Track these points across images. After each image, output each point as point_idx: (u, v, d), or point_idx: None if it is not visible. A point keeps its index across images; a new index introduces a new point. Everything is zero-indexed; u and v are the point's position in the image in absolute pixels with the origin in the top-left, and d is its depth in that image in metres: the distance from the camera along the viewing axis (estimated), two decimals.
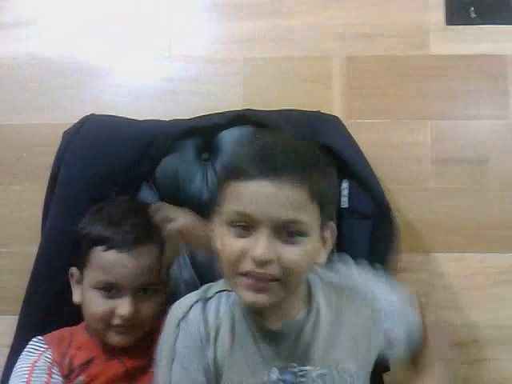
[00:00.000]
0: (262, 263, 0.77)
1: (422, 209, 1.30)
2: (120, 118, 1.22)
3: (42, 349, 0.99)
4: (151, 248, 1.00)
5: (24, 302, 1.10)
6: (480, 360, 1.29)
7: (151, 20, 1.38)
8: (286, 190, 0.77)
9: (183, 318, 0.86)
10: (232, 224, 0.80)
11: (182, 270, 1.13)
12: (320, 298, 0.89)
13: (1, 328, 1.23)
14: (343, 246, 1.04)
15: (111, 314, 0.97)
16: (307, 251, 0.79)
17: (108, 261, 0.97)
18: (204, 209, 1.14)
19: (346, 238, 1.07)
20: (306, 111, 1.24)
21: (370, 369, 0.91)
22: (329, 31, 1.35)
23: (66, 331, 1.03)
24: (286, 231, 0.78)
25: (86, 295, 0.99)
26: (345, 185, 1.11)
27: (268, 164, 0.78)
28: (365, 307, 0.90)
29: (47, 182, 1.14)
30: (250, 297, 0.79)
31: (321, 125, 1.19)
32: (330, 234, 0.85)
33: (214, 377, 0.84)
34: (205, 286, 0.92)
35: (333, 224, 0.86)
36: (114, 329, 0.98)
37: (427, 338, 0.93)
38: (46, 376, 0.96)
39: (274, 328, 0.85)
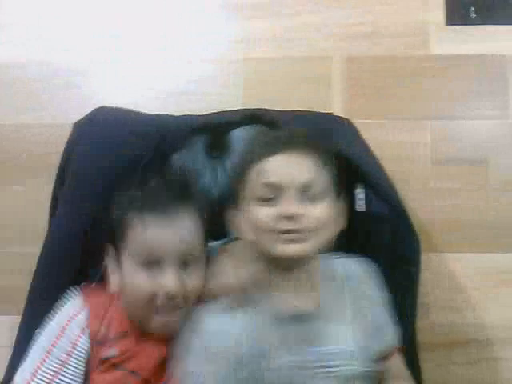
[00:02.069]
0: (294, 218, 0.89)
1: (422, 209, 1.30)
2: (131, 111, 1.20)
3: (78, 308, 0.95)
4: (189, 214, 0.95)
5: (28, 299, 1.10)
6: (480, 360, 1.29)
7: (151, 20, 1.38)
8: (300, 158, 0.92)
9: (201, 319, 0.92)
10: (259, 198, 0.92)
11: None
12: (326, 286, 0.96)
13: (1, 328, 1.23)
14: (365, 250, 1.05)
15: (154, 293, 0.91)
16: (328, 208, 0.93)
17: (142, 233, 0.91)
18: (212, 206, 1.14)
19: (367, 242, 1.07)
20: (319, 113, 1.22)
21: (370, 353, 0.95)
22: (329, 31, 1.35)
23: (102, 294, 0.97)
24: (308, 193, 0.91)
25: (124, 273, 0.93)
26: (360, 189, 1.11)
27: (282, 143, 0.94)
28: (362, 295, 0.98)
29: (47, 181, 1.13)
30: (289, 248, 0.90)
31: (333, 127, 1.18)
32: (342, 209, 0.97)
33: (243, 361, 0.89)
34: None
35: (342, 203, 0.97)
36: (158, 308, 0.91)
37: (398, 349, 0.99)
38: (74, 340, 0.92)
39: (289, 313, 0.92)
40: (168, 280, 0.91)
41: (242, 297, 0.93)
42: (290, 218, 0.89)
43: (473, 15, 1.34)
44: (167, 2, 1.38)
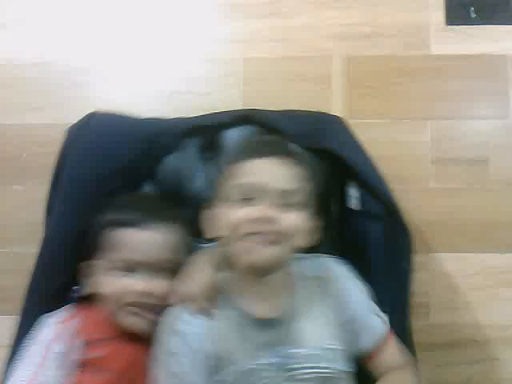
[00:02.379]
0: (270, 221, 0.88)
1: (422, 209, 1.30)
2: (123, 115, 1.22)
3: (71, 315, 0.99)
4: (169, 227, 1.00)
5: (25, 299, 1.10)
6: (480, 360, 1.29)
7: (151, 20, 1.38)
8: (284, 167, 0.91)
9: (178, 320, 0.92)
10: (234, 198, 0.91)
11: None
12: (300, 287, 0.96)
13: (1, 328, 1.23)
14: (358, 249, 1.05)
15: (125, 291, 0.97)
16: (304, 218, 0.91)
17: (125, 238, 0.97)
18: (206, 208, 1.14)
19: (360, 240, 1.08)
20: (311, 111, 1.23)
21: (350, 351, 0.95)
22: (329, 31, 1.35)
23: (91, 303, 1.02)
24: (285, 201, 0.90)
25: (103, 279, 0.99)
26: (352, 187, 1.11)
27: (268, 147, 0.94)
28: (338, 292, 0.97)
29: (47, 181, 1.14)
30: (262, 252, 0.88)
31: (325, 126, 1.18)
32: (317, 227, 0.95)
33: (218, 364, 0.89)
34: None
35: (319, 221, 0.95)
36: (127, 308, 0.97)
37: (391, 338, 0.98)
38: (67, 343, 0.95)
39: (261, 314, 0.92)
40: (138, 283, 0.96)
41: (208, 302, 0.92)
42: (266, 220, 0.88)
43: (473, 15, 1.34)
44: (167, 2, 1.38)
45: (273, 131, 1.15)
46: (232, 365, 0.89)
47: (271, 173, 0.91)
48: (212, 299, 0.92)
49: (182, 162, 1.16)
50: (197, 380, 0.88)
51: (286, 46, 1.35)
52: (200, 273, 0.95)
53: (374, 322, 0.98)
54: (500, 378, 1.29)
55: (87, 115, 1.17)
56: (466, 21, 1.34)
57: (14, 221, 1.32)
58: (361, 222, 1.09)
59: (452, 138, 1.33)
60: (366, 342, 0.96)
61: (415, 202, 1.30)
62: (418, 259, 1.28)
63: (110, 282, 0.98)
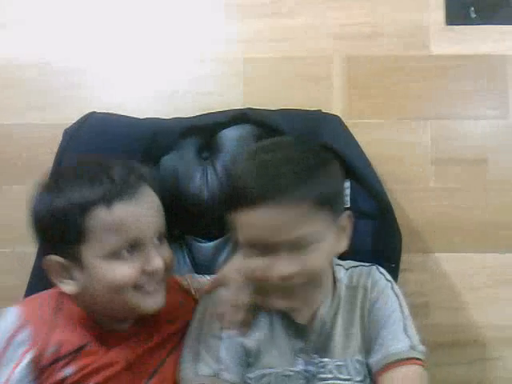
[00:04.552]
0: (286, 279, 0.83)
1: (422, 209, 1.30)
2: (121, 115, 1.22)
3: (18, 325, 0.84)
4: (149, 190, 0.89)
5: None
6: (480, 360, 1.29)
7: (151, 20, 1.38)
8: (291, 210, 0.80)
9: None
10: (250, 247, 0.85)
11: (180, 268, 1.13)
12: (343, 289, 0.95)
13: None
14: (348, 246, 1.04)
15: (140, 274, 0.85)
16: (325, 253, 0.86)
17: (116, 217, 0.83)
18: (203, 207, 1.15)
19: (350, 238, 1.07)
20: (307, 110, 1.24)
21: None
22: (329, 31, 1.35)
23: (46, 305, 0.88)
24: (300, 244, 0.83)
25: (97, 270, 0.84)
26: (346, 184, 1.11)
27: (270, 188, 0.80)
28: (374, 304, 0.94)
29: None
30: (283, 304, 0.88)
31: (321, 124, 1.19)
32: (347, 220, 0.91)
33: (252, 358, 0.90)
34: None
35: (348, 212, 0.91)
36: (146, 289, 0.86)
37: (410, 365, 0.89)
38: (16, 362, 0.81)
39: (302, 322, 0.92)
40: (155, 260, 0.86)
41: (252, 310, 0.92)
42: (282, 279, 0.83)
43: (473, 15, 1.34)
44: (167, 2, 1.38)
45: (270, 130, 1.16)
46: (267, 368, 0.90)
47: (279, 225, 0.81)
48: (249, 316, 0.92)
49: (180, 161, 1.17)
50: (237, 371, 0.89)
51: (286, 46, 1.35)
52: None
53: (394, 340, 0.91)
54: (500, 378, 1.29)
55: (85, 115, 1.18)
56: (466, 21, 1.34)
57: (14, 221, 1.32)
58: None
59: (452, 138, 1.33)
60: (377, 358, 0.91)
61: (415, 202, 1.30)
62: (417, 259, 1.30)
63: (110, 272, 0.84)
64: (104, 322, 0.90)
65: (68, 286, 0.87)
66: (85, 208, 0.82)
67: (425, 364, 0.89)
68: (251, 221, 0.82)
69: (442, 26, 1.34)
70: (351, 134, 1.19)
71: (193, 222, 1.17)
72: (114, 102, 1.33)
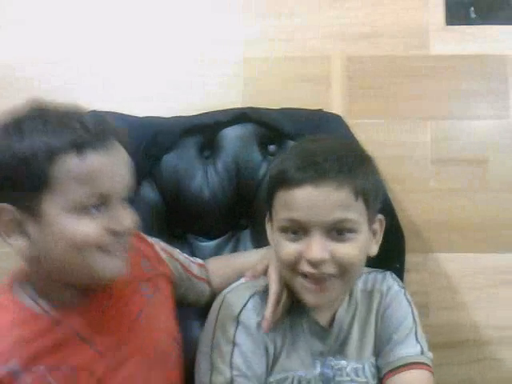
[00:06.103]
0: (316, 263, 0.84)
1: (422, 209, 1.30)
2: (122, 114, 1.22)
3: None
4: (120, 146, 0.80)
5: None
6: (480, 360, 1.29)
7: (150, 20, 1.38)
8: (330, 193, 0.83)
9: (242, 310, 0.90)
10: (284, 230, 0.86)
11: None
12: (358, 293, 0.96)
13: None
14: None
15: (106, 233, 0.77)
16: (359, 246, 0.86)
17: (88, 166, 0.74)
18: (204, 206, 1.15)
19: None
20: (308, 110, 1.24)
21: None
22: (329, 31, 1.35)
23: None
24: (336, 230, 0.84)
25: (57, 225, 0.74)
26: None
27: (312, 171, 0.84)
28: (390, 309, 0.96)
29: None
30: (312, 299, 0.87)
31: (322, 123, 1.19)
32: (379, 225, 0.92)
33: (271, 362, 0.90)
34: (248, 282, 0.96)
35: (381, 216, 0.92)
36: (110, 251, 0.78)
37: (415, 366, 0.93)
38: None
39: (323, 323, 0.93)
40: (126, 220, 0.78)
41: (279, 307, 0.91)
42: (316, 263, 0.84)
43: (473, 15, 1.34)
44: (167, 2, 1.38)
45: (271, 129, 1.16)
46: (289, 371, 0.90)
47: (320, 206, 0.83)
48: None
49: (181, 161, 1.17)
50: (252, 376, 0.88)
51: (286, 46, 1.35)
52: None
53: (406, 344, 0.94)
54: (499, 378, 1.29)
55: None
56: (466, 21, 1.34)
57: None
58: None
59: (452, 138, 1.33)
60: (387, 360, 0.93)
61: (415, 202, 1.30)
62: (417, 259, 1.30)
63: (83, 228, 0.75)
64: (53, 295, 0.81)
65: (17, 242, 0.76)
66: (52, 154, 0.73)
67: (433, 370, 0.92)
68: (292, 200, 0.84)
69: (442, 26, 1.35)
70: (352, 134, 1.19)
71: (194, 221, 1.17)
72: (113, 102, 1.33)
